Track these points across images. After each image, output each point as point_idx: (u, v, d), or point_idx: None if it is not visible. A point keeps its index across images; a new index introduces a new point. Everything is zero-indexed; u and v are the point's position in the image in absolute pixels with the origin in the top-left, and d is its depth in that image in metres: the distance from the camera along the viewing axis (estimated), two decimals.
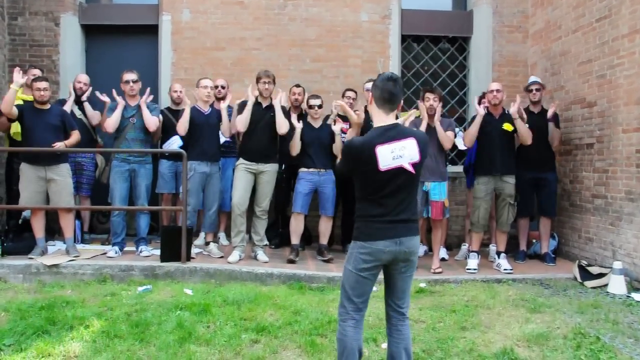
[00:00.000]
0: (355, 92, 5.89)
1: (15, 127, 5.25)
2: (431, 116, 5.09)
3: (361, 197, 2.64)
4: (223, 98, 5.94)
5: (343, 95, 5.88)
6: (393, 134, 2.58)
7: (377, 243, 2.55)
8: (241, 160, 5.21)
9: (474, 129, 5.21)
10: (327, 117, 5.66)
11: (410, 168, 2.57)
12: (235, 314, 3.86)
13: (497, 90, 5.26)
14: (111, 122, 5.25)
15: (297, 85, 5.97)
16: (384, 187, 2.56)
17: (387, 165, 2.53)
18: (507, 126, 5.20)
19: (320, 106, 5.32)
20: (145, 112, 5.30)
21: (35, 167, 4.98)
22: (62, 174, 5.08)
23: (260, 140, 5.19)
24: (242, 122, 5.13)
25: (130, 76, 5.32)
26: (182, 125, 5.23)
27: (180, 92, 5.85)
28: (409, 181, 2.60)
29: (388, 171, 2.54)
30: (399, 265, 2.63)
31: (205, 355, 3.24)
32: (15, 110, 4.92)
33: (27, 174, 4.98)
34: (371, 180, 2.56)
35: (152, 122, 5.34)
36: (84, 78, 5.87)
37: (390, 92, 2.61)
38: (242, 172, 5.17)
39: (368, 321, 3.72)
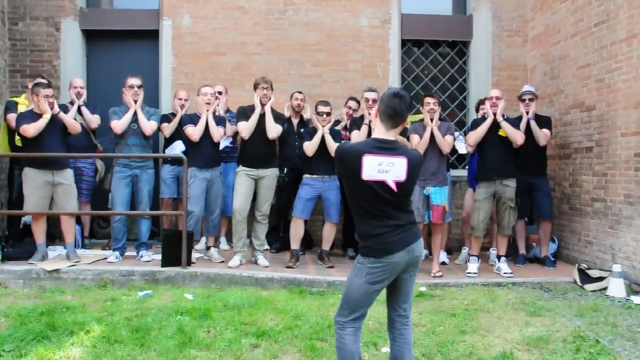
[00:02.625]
0: (358, 102, 5.90)
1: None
2: (432, 120, 5.12)
3: (359, 213, 2.61)
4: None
5: (346, 104, 5.91)
6: (386, 147, 2.57)
7: (393, 256, 2.54)
8: (241, 167, 5.23)
9: (481, 130, 5.22)
10: (337, 122, 5.70)
11: (392, 185, 2.53)
12: (236, 319, 3.86)
13: (497, 98, 5.27)
14: (120, 124, 5.26)
15: (299, 92, 5.99)
16: (371, 199, 2.54)
17: (370, 176, 2.51)
18: (501, 132, 5.22)
19: (329, 113, 5.33)
20: (141, 117, 5.32)
21: (42, 171, 4.98)
22: (69, 179, 5.10)
23: (260, 146, 5.21)
24: (247, 129, 5.16)
25: (134, 81, 5.34)
26: (197, 132, 5.21)
27: (186, 100, 5.87)
28: (393, 198, 2.56)
29: (371, 183, 2.52)
30: (409, 270, 2.65)
31: None
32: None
33: (34, 178, 4.98)
34: (355, 190, 2.56)
35: (149, 126, 5.36)
36: (79, 82, 5.87)
37: (393, 109, 2.58)
38: (243, 178, 5.19)
39: (368, 325, 3.73)
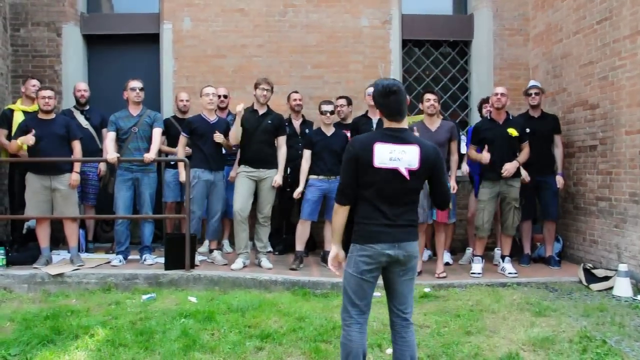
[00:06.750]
0: (347, 99, 5.96)
1: None
2: (432, 115, 5.11)
3: (365, 198, 2.62)
4: (226, 107, 6.00)
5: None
6: (397, 136, 2.59)
7: (376, 246, 2.57)
8: (242, 167, 5.23)
9: (473, 158, 5.33)
10: (338, 123, 5.70)
11: (405, 173, 2.56)
12: (240, 321, 3.86)
13: (502, 94, 5.23)
14: (106, 144, 5.30)
15: (295, 92, 6.02)
16: (378, 187, 2.56)
17: (381, 163, 2.54)
18: (511, 131, 5.17)
19: (332, 112, 5.35)
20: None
21: (40, 176, 5.00)
22: (67, 184, 5.10)
23: (259, 146, 5.21)
24: (233, 137, 5.22)
25: (136, 84, 5.34)
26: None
27: (188, 101, 5.93)
28: (404, 187, 2.58)
29: (382, 171, 2.54)
30: (398, 269, 2.64)
31: None
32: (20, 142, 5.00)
33: (33, 183, 5.00)
34: (366, 177, 2.56)
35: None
36: (83, 86, 5.92)
37: (398, 106, 2.60)
38: (243, 179, 5.18)
39: (372, 327, 3.71)
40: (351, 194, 2.61)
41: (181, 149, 5.33)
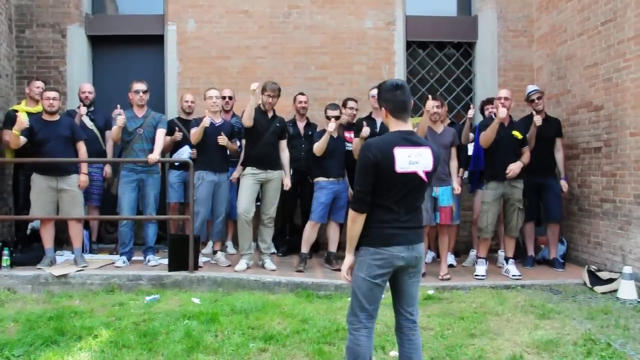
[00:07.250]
0: (356, 102, 5.93)
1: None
2: (435, 122, 5.14)
3: (378, 204, 2.59)
4: (230, 109, 6.00)
5: (344, 105, 5.88)
6: (411, 139, 2.60)
7: (392, 249, 2.55)
8: (248, 170, 5.23)
9: (490, 131, 5.12)
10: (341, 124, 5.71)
11: (423, 176, 2.58)
12: (243, 323, 3.86)
13: (506, 99, 5.20)
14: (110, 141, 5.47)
15: (302, 94, 6.02)
16: (397, 191, 2.56)
17: (403, 168, 2.53)
18: (516, 133, 5.16)
19: (338, 117, 5.37)
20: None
21: (46, 177, 5.01)
22: (73, 185, 5.11)
23: (267, 147, 5.24)
24: (246, 117, 5.14)
25: (140, 86, 5.36)
26: (194, 136, 5.24)
27: (193, 102, 5.94)
28: (419, 188, 2.61)
29: (402, 175, 2.54)
30: (409, 271, 2.64)
31: None
32: (22, 139, 4.94)
33: (39, 184, 5.01)
34: (386, 183, 2.55)
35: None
36: (88, 87, 5.93)
37: (403, 101, 2.62)
38: (249, 181, 5.19)
39: (376, 329, 3.67)
40: (370, 201, 2.57)
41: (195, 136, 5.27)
